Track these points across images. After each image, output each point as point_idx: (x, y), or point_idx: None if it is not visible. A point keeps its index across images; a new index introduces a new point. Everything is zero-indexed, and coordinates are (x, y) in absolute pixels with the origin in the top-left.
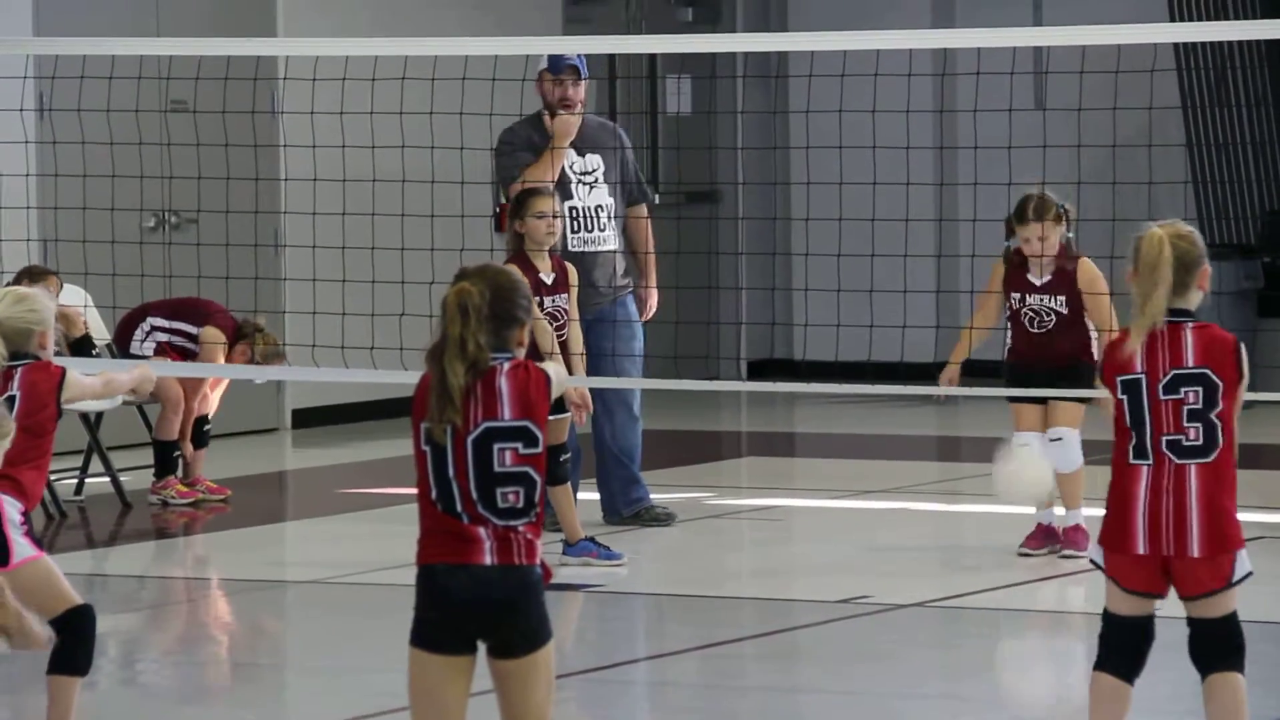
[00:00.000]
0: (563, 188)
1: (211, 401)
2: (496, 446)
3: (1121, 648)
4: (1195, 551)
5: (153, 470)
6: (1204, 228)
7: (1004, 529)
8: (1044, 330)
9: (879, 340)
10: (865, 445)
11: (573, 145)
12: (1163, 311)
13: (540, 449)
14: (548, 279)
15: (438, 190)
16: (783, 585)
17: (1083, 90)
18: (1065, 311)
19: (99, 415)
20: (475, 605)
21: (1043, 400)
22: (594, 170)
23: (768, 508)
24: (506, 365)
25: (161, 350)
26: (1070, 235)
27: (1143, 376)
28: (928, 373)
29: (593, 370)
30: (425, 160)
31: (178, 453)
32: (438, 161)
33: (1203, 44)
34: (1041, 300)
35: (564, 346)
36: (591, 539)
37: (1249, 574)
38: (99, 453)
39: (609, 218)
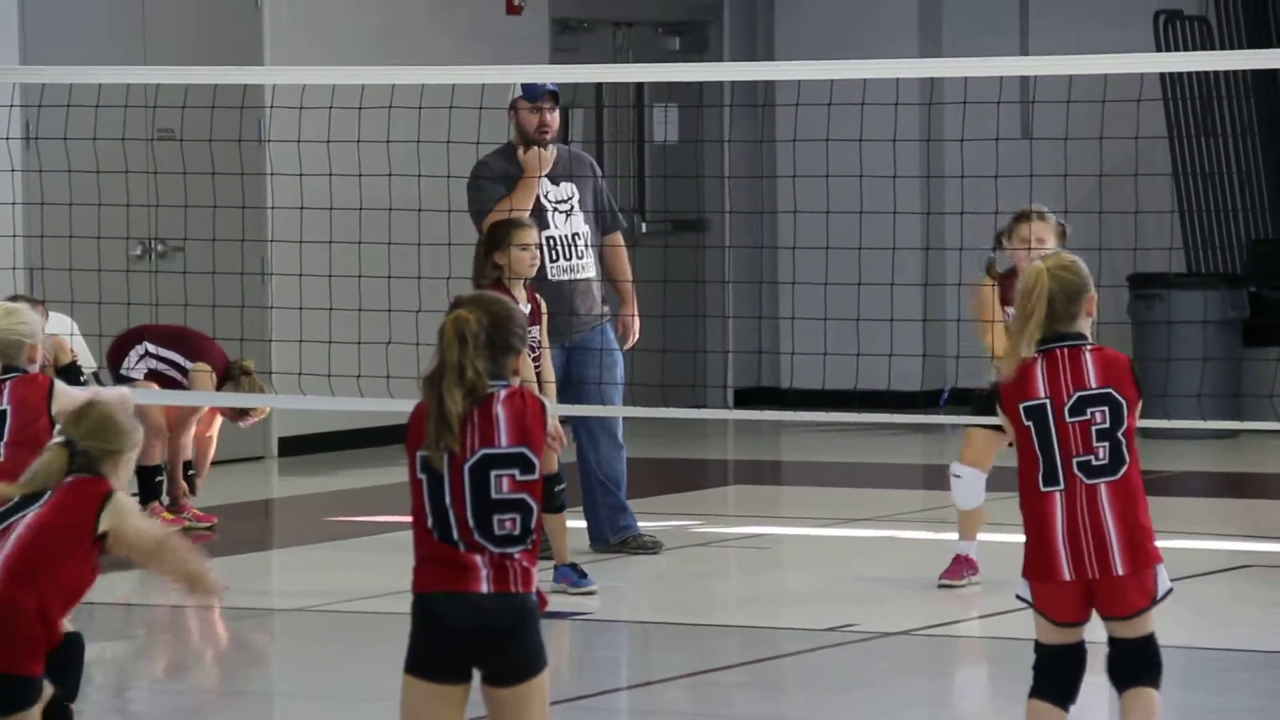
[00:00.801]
0: (539, 216)
1: (207, 450)
2: (494, 473)
3: (1054, 676)
4: (1120, 570)
5: (136, 496)
6: (1190, 257)
7: (991, 558)
8: None
9: (865, 368)
10: (852, 473)
11: (546, 175)
12: (1033, 343)
13: (537, 476)
14: (525, 309)
15: (425, 219)
16: (769, 613)
17: (1069, 120)
18: None
19: None
20: (472, 633)
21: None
22: (569, 198)
23: (754, 536)
24: (503, 392)
25: (151, 376)
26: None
27: (1047, 401)
28: (914, 401)
29: (576, 398)
30: (412, 188)
31: (160, 478)
32: (425, 190)
33: (1189, 74)
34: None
35: (537, 377)
36: (572, 565)
37: (1170, 590)
38: None
39: (586, 245)
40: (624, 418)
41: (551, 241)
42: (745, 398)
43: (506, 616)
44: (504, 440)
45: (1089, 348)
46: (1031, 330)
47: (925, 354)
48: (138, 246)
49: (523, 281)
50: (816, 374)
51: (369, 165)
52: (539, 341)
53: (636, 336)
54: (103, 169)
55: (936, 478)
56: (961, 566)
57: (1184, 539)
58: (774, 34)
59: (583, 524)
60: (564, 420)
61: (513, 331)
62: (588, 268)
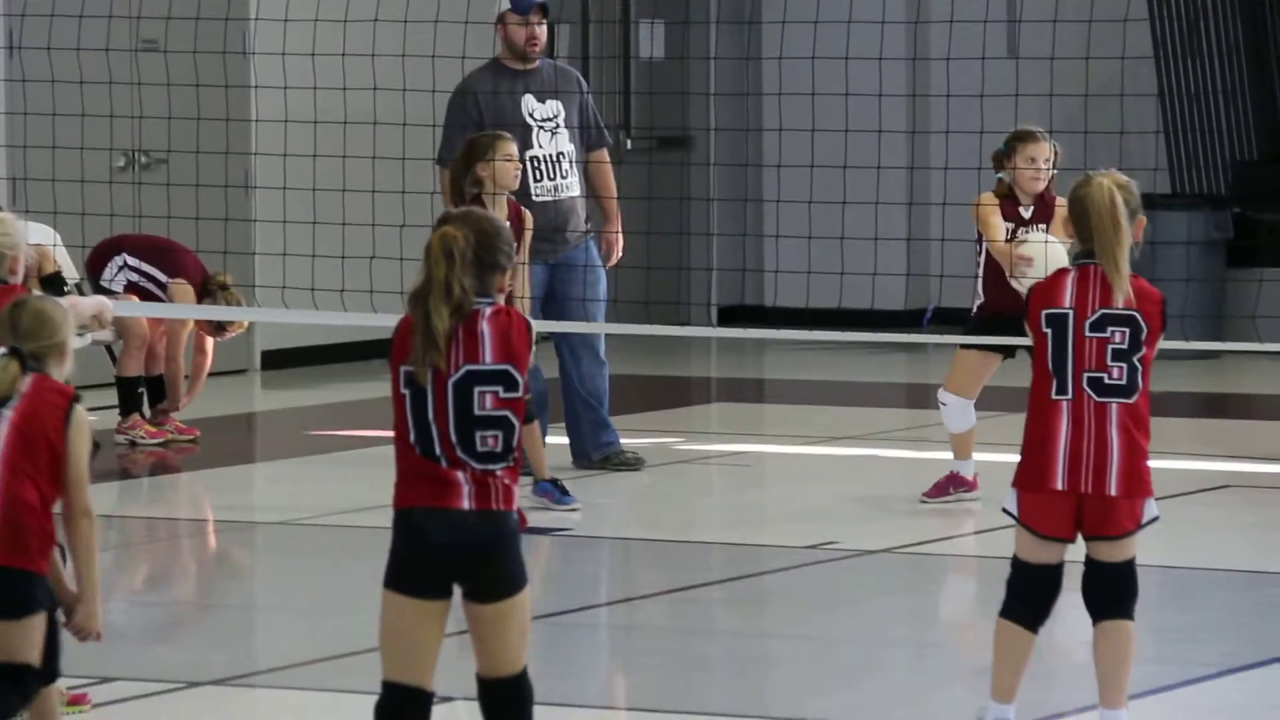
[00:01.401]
0: (524, 135)
1: (207, 354)
2: (477, 390)
3: (1029, 596)
4: (1114, 490)
5: (117, 409)
6: (1175, 178)
7: (980, 477)
8: None
9: (850, 287)
10: (835, 392)
11: (532, 91)
12: (1127, 258)
13: (520, 394)
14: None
15: (410, 133)
16: (751, 531)
17: (1056, 39)
18: None
19: None
20: (452, 550)
21: (1006, 355)
22: (554, 116)
23: (737, 453)
24: (489, 310)
25: (130, 289)
26: (1054, 172)
27: (1070, 312)
28: (898, 320)
29: (558, 315)
30: (398, 102)
31: (141, 389)
32: (410, 104)
33: None
34: (1027, 232)
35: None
36: (554, 481)
37: (1156, 518)
38: None
39: (571, 164)
40: (607, 335)
41: (536, 161)
42: (729, 315)
43: (487, 533)
44: (488, 357)
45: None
46: (1126, 242)
47: (909, 273)
48: (121, 158)
49: (505, 195)
50: (800, 292)
51: (354, 79)
52: (518, 256)
53: (620, 253)
54: (86, 79)
55: (920, 396)
56: (949, 484)
57: (1165, 459)
58: None
59: (564, 440)
60: (546, 336)
61: (499, 249)
62: (572, 187)
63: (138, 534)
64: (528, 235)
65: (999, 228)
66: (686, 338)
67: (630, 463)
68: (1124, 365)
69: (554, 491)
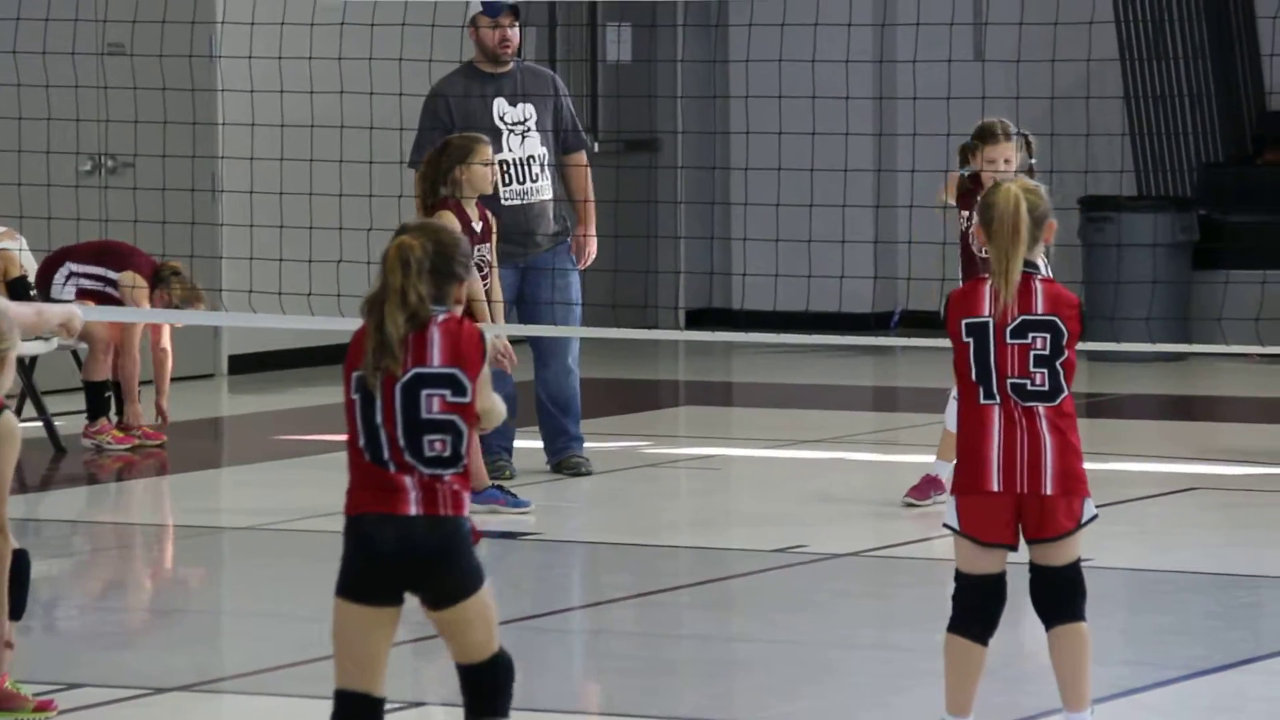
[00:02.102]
0: (495, 139)
1: (164, 362)
2: (424, 393)
3: (974, 609)
4: (1049, 489)
5: (85, 414)
6: (1141, 180)
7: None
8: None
9: (817, 290)
10: (802, 395)
11: (504, 94)
12: (1019, 268)
13: (469, 399)
14: (476, 227)
15: (376, 136)
16: (719, 534)
17: (1022, 42)
18: None
19: (33, 359)
20: (401, 556)
21: None
22: (526, 120)
23: (705, 457)
24: (441, 316)
25: (82, 295)
26: (1033, 161)
27: (990, 320)
28: (865, 323)
29: (529, 319)
30: (364, 106)
31: (108, 393)
32: (377, 107)
33: None
34: None
35: (487, 295)
36: (498, 486)
37: (1095, 516)
38: (33, 397)
39: (541, 167)
40: (578, 339)
41: (505, 165)
42: (697, 318)
43: (435, 539)
44: (436, 360)
45: (1039, 278)
46: (1022, 249)
47: (877, 276)
48: (87, 162)
49: (474, 199)
50: (768, 295)
51: (321, 82)
52: (489, 260)
53: (592, 256)
54: (52, 83)
55: (887, 400)
56: (930, 486)
57: (1132, 461)
58: None
59: (537, 444)
60: (519, 340)
61: (456, 259)
62: (542, 191)
63: (104, 539)
64: (494, 238)
65: (949, 192)
66: (654, 341)
67: (575, 467)
68: (1045, 371)
69: (500, 495)
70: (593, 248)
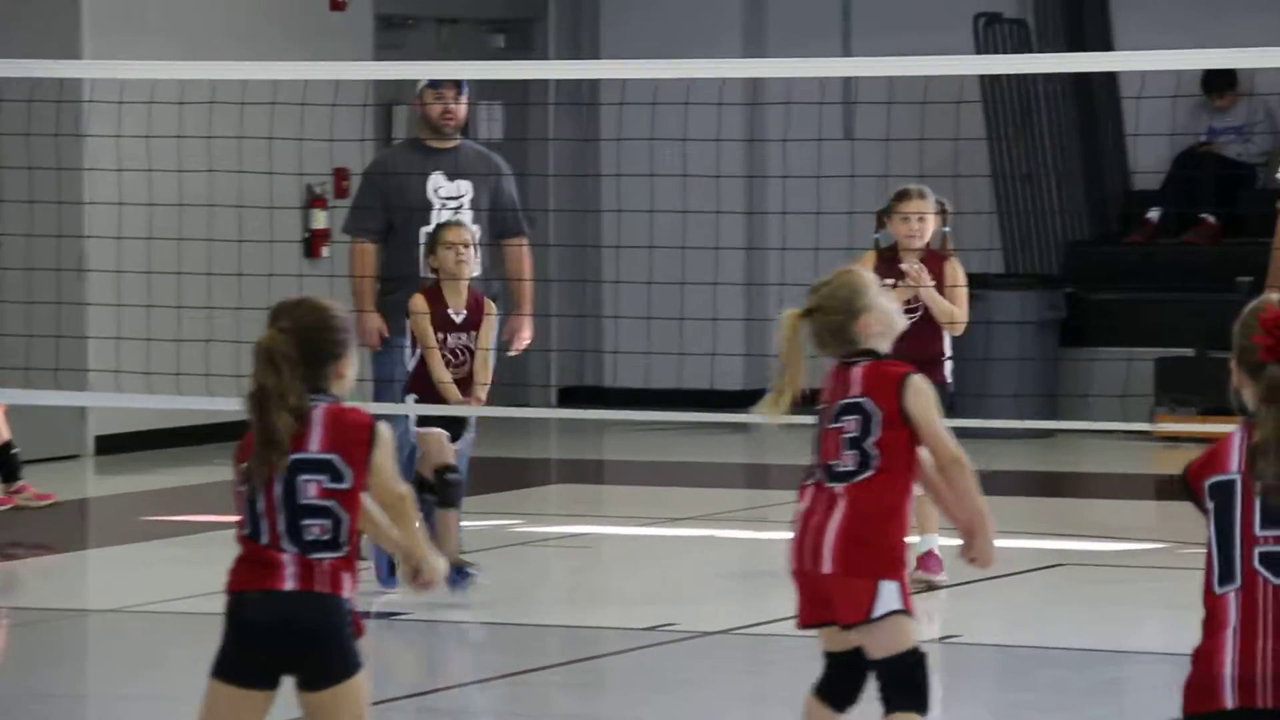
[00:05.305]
0: (424, 214)
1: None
2: (301, 478)
3: (834, 678)
4: (827, 567)
5: None
6: (1008, 258)
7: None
8: (910, 322)
9: (689, 367)
10: (674, 472)
11: (443, 169)
12: (798, 386)
13: (348, 485)
14: (456, 316)
15: (246, 215)
16: (589, 613)
17: (891, 121)
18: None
19: None
20: (274, 631)
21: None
22: (459, 196)
23: (575, 535)
24: (323, 404)
25: None
26: (947, 230)
27: (825, 406)
28: (737, 400)
29: (439, 397)
30: (234, 185)
31: None
32: (246, 186)
33: (1008, 76)
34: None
35: (468, 379)
36: (456, 568)
37: (893, 611)
38: None
39: (470, 245)
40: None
41: (429, 238)
42: (568, 396)
43: (309, 615)
44: (315, 446)
45: (864, 363)
46: (794, 374)
47: (748, 353)
48: None
49: (462, 282)
50: (640, 373)
51: (189, 161)
52: (470, 348)
53: (526, 339)
54: None
55: (758, 477)
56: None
57: (1000, 538)
58: (599, 34)
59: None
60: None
61: (326, 340)
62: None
63: None
64: (491, 320)
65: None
66: (526, 419)
67: None
68: (855, 452)
69: (451, 575)
70: (527, 331)
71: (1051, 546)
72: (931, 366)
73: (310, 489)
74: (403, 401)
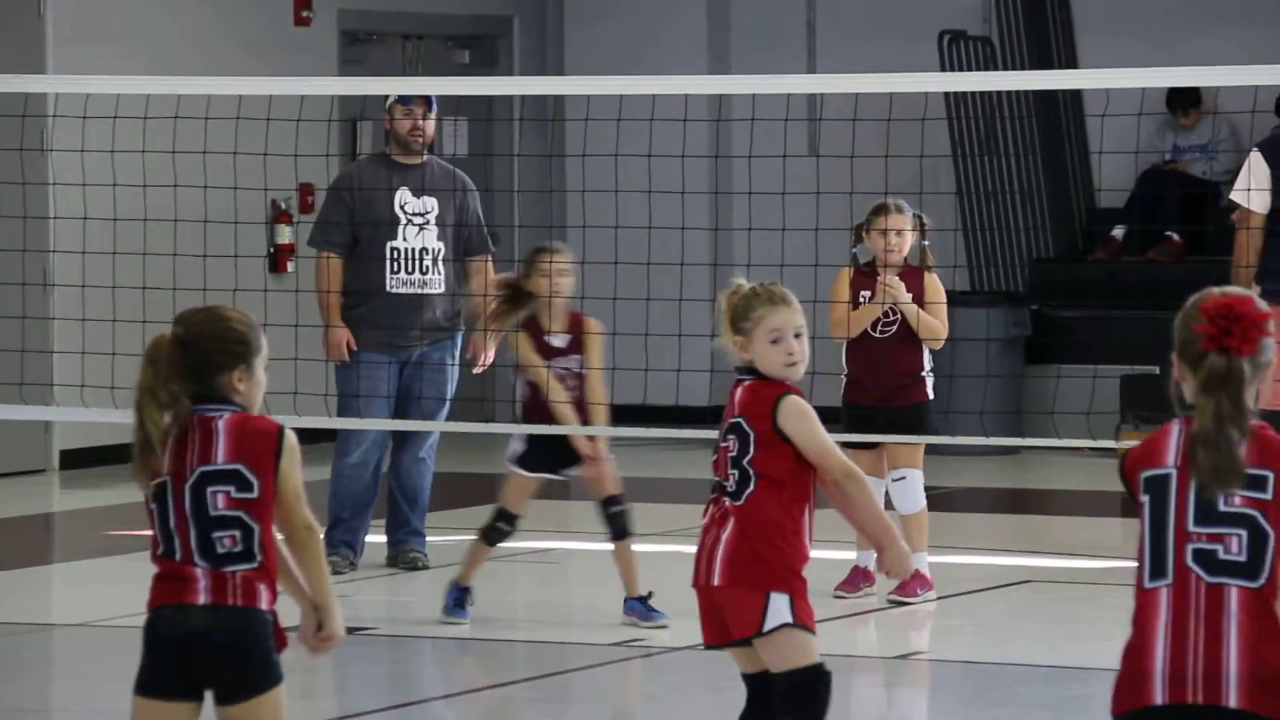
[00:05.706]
0: (391, 228)
1: None
2: (210, 489)
3: (751, 699)
4: (716, 580)
5: None
6: (974, 275)
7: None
8: (886, 336)
9: (654, 383)
10: (640, 488)
11: (409, 185)
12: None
13: (256, 495)
14: (557, 342)
15: (211, 230)
16: (556, 629)
17: (855, 138)
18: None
19: None
20: (186, 646)
21: (874, 445)
22: (426, 213)
23: (543, 550)
24: (227, 413)
25: None
26: (926, 244)
27: (721, 424)
28: (703, 416)
29: (400, 413)
30: (198, 199)
31: None
32: (211, 201)
33: (973, 93)
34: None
35: (580, 401)
36: (641, 599)
37: (784, 624)
38: None
39: (434, 261)
40: (425, 433)
41: (395, 253)
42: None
43: (221, 629)
44: (220, 456)
45: (747, 381)
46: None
47: (713, 369)
48: None
49: (560, 305)
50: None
51: (154, 176)
52: (574, 371)
53: (490, 358)
54: None
55: None
56: (858, 578)
57: (966, 554)
58: (564, 49)
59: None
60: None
61: (212, 350)
62: (432, 284)
63: None
64: (597, 339)
65: (841, 293)
66: (491, 435)
67: (411, 562)
68: (736, 471)
69: (639, 608)
70: (491, 349)
71: (1018, 563)
72: (913, 384)
73: (219, 500)
74: (390, 418)
